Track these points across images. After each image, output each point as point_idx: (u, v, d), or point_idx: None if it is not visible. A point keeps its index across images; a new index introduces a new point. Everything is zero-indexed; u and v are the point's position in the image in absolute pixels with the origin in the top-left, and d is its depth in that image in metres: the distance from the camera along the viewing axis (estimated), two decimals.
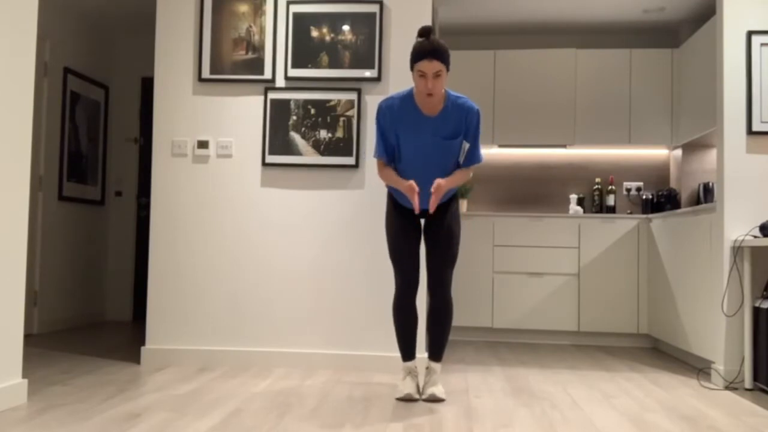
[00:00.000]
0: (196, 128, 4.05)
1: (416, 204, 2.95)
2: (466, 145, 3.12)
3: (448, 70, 3.00)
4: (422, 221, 3.28)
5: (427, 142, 3.07)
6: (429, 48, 2.92)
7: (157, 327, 3.99)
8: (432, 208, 3.00)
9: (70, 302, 5.63)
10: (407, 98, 3.10)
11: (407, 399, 3.15)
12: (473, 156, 3.16)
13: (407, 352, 3.27)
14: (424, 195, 3.16)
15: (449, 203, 3.23)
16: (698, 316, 4.10)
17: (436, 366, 3.25)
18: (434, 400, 3.14)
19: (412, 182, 2.99)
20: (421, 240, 3.26)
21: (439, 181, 2.98)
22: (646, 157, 5.89)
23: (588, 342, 5.31)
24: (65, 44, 5.57)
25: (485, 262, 5.35)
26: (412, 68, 3.01)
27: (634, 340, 5.26)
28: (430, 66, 2.92)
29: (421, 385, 3.41)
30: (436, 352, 3.26)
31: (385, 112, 3.11)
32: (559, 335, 5.34)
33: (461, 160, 3.16)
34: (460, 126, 3.08)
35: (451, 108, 3.08)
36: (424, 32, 2.98)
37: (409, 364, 3.27)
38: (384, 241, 3.93)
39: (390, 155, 3.16)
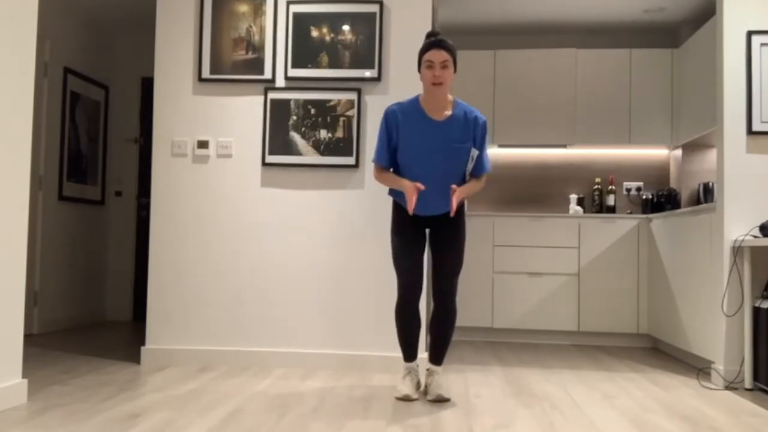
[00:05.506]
0: (196, 128, 4.06)
1: (411, 204, 2.96)
2: (475, 153, 3.13)
3: (455, 68, 3.08)
4: (427, 229, 3.28)
5: (434, 147, 3.07)
6: (436, 40, 3.06)
7: (157, 327, 3.99)
8: (453, 212, 3.00)
9: (70, 302, 5.63)
10: (414, 103, 3.15)
11: (406, 399, 3.15)
12: (482, 165, 3.19)
13: (409, 353, 3.28)
14: (429, 202, 3.14)
15: (458, 212, 3.23)
16: (698, 316, 4.10)
17: (437, 369, 3.26)
18: (441, 400, 3.14)
19: (417, 183, 3.00)
20: (426, 247, 3.26)
21: (455, 186, 3.00)
22: (646, 157, 5.89)
23: (588, 342, 5.31)
24: (65, 44, 5.57)
25: (485, 262, 5.35)
26: (420, 67, 3.09)
27: (634, 340, 5.26)
28: (437, 55, 3.03)
29: (422, 385, 3.41)
30: (437, 357, 3.26)
31: (390, 116, 3.14)
32: (559, 335, 5.34)
33: (469, 168, 3.16)
34: (468, 133, 3.10)
35: (458, 115, 3.11)
36: (431, 35, 3.11)
37: (411, 364, 3.28)
38: (384, 241, 3.93)
39: (391, 162, 3.18)
